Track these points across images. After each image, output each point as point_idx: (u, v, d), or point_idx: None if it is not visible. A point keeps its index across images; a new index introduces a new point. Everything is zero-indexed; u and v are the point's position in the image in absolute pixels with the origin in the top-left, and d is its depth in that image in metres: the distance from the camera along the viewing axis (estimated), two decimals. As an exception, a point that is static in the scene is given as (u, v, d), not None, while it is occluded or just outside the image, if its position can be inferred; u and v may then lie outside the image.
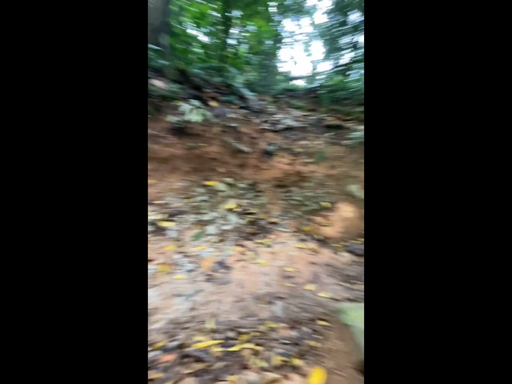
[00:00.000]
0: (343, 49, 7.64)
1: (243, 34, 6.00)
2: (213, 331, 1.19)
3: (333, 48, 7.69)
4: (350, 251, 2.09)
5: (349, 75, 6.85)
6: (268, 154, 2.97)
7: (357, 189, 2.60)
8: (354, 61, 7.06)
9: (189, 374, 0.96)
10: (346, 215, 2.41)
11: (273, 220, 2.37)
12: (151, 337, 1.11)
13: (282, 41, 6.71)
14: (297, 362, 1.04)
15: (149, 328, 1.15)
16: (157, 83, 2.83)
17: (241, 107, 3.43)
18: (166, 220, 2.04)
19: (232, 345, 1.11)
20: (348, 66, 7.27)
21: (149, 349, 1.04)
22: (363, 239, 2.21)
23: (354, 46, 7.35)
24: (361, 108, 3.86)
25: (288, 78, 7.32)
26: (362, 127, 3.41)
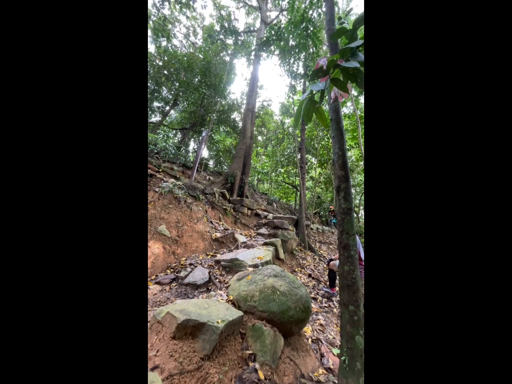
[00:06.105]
0: (153, 111, 9.95)
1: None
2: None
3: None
4: (158, 282, 2.31)
5: (159, 133, 8.64)
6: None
7: (165, 229, 2.97)
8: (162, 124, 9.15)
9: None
10: (155, 251, 2.66)
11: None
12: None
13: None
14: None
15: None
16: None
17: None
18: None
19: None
20: (156, 126, 9.32)
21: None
22: (169, 271, 2.56)
23: (162, 112, 9.71)
24: (167, 164, 4.53)
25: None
26: (172, 179, 3.95)
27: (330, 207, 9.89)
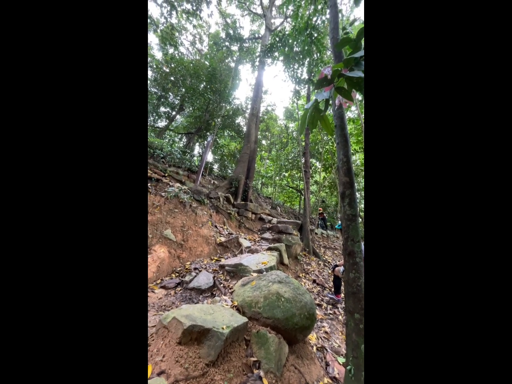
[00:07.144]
0: (160, 116, 10.18)
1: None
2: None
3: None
4: (163, 287, 2.33)
5: (164, 138, 8.78)
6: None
7: (170, 233, 2.99)
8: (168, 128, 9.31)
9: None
10: (160, 255, 2.67)
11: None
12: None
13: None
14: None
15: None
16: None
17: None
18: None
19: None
20: (162, 131, 9.45)
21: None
22: (174, 275, 2.58)
23: (168, 117, 9.86)
24: (173, 168, 4.55)
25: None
26: (178, 184, 3.94)
27: (319, 209, 9.79)
